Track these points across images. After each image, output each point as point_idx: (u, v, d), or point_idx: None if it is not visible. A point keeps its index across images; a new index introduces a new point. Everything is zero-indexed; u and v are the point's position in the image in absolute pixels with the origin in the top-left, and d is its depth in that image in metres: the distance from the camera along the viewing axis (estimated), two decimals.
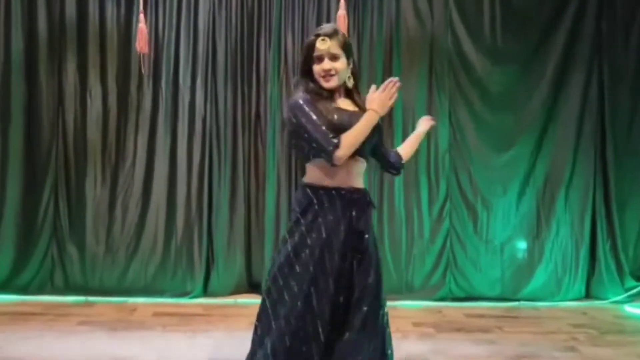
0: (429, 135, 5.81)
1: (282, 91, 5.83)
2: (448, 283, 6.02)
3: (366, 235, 2.73)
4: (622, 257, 6.12)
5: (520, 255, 6.06)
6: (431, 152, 6.03)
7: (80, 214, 5.83)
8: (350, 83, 2.84)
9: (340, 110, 2.76)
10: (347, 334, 2.65)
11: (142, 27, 4.90)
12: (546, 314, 5.70)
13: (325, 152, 2.62)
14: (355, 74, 2.88)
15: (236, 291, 5.84)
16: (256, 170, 5.96)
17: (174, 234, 5.85)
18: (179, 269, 5.84)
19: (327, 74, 2.78)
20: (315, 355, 2.60)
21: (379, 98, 2.66)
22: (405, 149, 3.11)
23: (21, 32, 5.72)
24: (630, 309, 5.83)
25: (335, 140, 2.64)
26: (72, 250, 5.82)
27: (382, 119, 2.74)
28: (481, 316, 5.54)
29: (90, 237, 5.83)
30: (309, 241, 2.66)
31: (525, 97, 6.06)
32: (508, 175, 6.06)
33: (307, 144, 2.68)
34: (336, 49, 2.78)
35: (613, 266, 6.11)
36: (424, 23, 6.02)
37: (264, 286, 2.91)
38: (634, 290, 6.04)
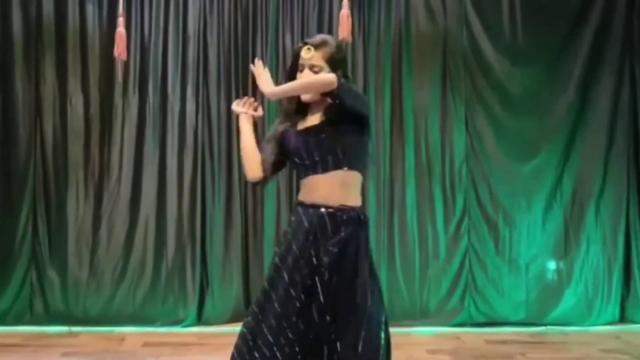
0: (444, 143, 6.01)
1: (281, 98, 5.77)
2: (467, 307, 6.00)
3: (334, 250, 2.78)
4: None
5: (547, 275, 6.06)
6: (446, 163, 6.03)
7: (62, 235, 5.84)
8: (330, 98, 2.78)
9: (300, 133, 2.88)
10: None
11: (121, 31, 4.90)
12: (575, 339, 5.68)
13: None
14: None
15: (233, 318, 5.78)
16: (254, 186, 5.64)
17: (165, 256, 5.86)
18: (171, 294, 5.84)
19: None
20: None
21: None
22: None
23: None
24: None
25: (255, 175, 3.02)
26: (52, 275, 5.82)
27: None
28: (504, 342, 5.54)
29: (72, 261, 5.82)
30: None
31: (550, 101, 6.05)
32: (532, 187, 6.05)
33: None
34: (319, 61, 2.84)
35: None
36: (436, 20, 6.04)
37: None
38: None
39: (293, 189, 5.82)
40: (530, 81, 6.03)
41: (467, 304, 6.00)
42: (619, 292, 6.06)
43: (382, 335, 2.83)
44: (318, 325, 2.72)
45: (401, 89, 6.02)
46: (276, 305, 2.73)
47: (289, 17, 5.89)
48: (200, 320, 5.81)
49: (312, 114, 2.92)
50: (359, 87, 5.89)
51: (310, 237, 2.78)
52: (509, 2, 6.05)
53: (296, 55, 2.91)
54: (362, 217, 2.83)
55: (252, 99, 3.16)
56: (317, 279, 2.74)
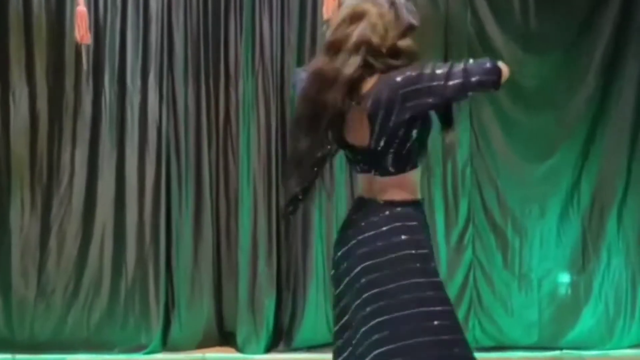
0: (444, 143, 5.76)
1: (257, 89, 5.80)
2: (472, 329, 5.91)
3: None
4: None
5: (562, 292, 5.99)
6: (448, 163, 5.95)
7: (4, 248, 5.75)
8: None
9: None
10: None
11: (81, 10, 4.81)
12: None
13: None
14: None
15: (204, 344, 5.78)
16: (226, 189, 5.90)
17: (124, 273, 5.74)
18: (131, 316, 5.73)
19: None
20: None
21: None
22: None
23: None
24: None
25: None
26: None
27: None
28: None
29: (17, 278, 5.74)
30: None
31: (566, 93, 5.96)
32: (546, 191, 5.96)
33: None
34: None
35: None
36: (436, 1, 5.94)
37: None
38: None
39: (272, 189, 5.83)
40: (545, 70, 5.94)
41: (471, 325, 5.92)
42: None
43: None
44: None
45: None
46: None
47: None
48: (165, 345, 5.74)
49: None
50: None
51: None
52: None
53: None
54: None
55: None
56: None
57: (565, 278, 5.98)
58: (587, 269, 5.94)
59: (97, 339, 5.63)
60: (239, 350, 5.66)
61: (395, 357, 2.65)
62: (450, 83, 2.60)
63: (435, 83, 2.60)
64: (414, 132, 2.71)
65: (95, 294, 5.68)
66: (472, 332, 5.86)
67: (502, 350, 5.87)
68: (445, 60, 5.72)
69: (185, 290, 5.73)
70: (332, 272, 2.89)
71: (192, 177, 5.79)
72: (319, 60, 2.76)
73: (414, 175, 2.84)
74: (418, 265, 2.73)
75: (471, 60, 2.69)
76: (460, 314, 5.80)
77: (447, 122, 2.85)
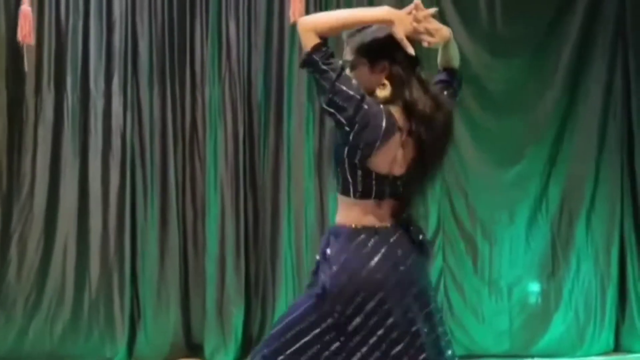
0: None
1: (224, 94, 5.77)
2: None
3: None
4: None
5: (532, 299, 5.97)
6: None
7: None
8: (383, 92, 2.68)
9: None
10: None
11: (25, 9, 4.74)
12: None
13: None
14: (396, 78, 2.70)
15: (171, 355, 5.69)
16: (193, 196, 5.85)
17: (88, 282, 5.66)
18: (95, 327, 5.63)
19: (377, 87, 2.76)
20: None
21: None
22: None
23: None
24: None
25: None
26: None
27: None
28: None
29: None
30: None
31: (534, 97, 5.98)
32: (515, 197, 5.98)
33: None
34: (349, 55, 2.74)
35: None
36: (403, 3, 5.67)
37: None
38: None
39: (239, 196, 5.80)
40: (512, 74, 5.96)
41: None
42: (614, 317, 5.98)
43: None
44: None
45: None
46: None
47: (233, 0, 5.76)
48: (131, 357, 5.66)
49: None
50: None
51: None
52: None
53: None
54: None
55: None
56: None
57: (535, 287, 5.97)
58: (556, 276, 5.95)
59: (60, 352, 5.55)
60: None
61: None
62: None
63: None
64: None
65: (58, 305, 5.59)
66: None
67: (473, 358, 5.82)
68: None
69: (151, 301, 5.65)
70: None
71: (158, 184, 5.72)
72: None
73: None
74: None
75: None
76: None
77: None
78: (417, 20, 2.67)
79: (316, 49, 2.56)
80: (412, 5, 2.66)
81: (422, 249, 2.74)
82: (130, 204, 5.67)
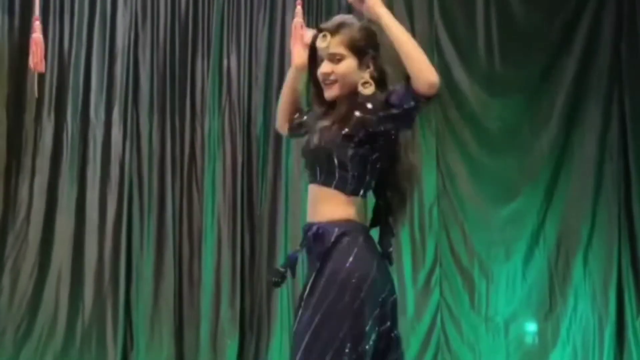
0: None
1: (224, 125, 5.79)
2: None
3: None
4: None
5: (529, 337, 5.88)
6: (415, 204, 5.87)
7: None
8: (367, 89, 2.69)
9: (316, 132, 2.77)
10: None
11: (37, 37, 4.47)
12: None
13: None
14: (379, 73, 2.73)
15: None
16: (190, 227, 5.82)
17: (81, 311, 5.61)
18: (87, 357, 5.55)
19: (325, 81, 2.75)
20: None
21: None
22: None
23: None
24: None
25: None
26: None
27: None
28: None
29: None
30: None
31: (530, 137, 5.97)
32: (511, 234, 5.93)
33: None
34: (338, 48, 2.72)
35: None
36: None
37: None
38: None
39: (237, 228, 5.76)
40: (509, 114, 5.97)
41: None
42: (612, 355, 5.84)
43: None
44: None
45: None
46: None
47: (234, 30, 5.84)
48: None
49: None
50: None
51: None
52: (484, 26, 5.97)
53: (312, 48, 2.82)
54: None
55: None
56: None
57: (532, 324, 5.87)
58: (554, 313, 5.84)
59: None
60: None
61: None
62: None
63: None
64: None
65: (50, 335, 5.54)
66: None
67: None
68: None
69: (145, 332, 5.59)
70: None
71: (155, 214, 5.72)
72: None
73: None
74: None
75: None
76: (428, 356, 5.79)
77: None
78: None
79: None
80: None
81: None
82: (127, 234, 5.65)
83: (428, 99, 2.53)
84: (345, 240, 2.63)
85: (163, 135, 5.74)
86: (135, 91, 5.70)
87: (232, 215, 5.73)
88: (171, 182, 5.72)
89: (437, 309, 5.84)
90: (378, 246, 2.73)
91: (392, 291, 2.70)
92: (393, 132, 2.65)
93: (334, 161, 2.67)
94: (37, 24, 4.53)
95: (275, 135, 5.79)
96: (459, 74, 5.94)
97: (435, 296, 5.84)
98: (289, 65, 5.50)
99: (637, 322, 5.85)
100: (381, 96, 2.66)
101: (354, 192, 2.69)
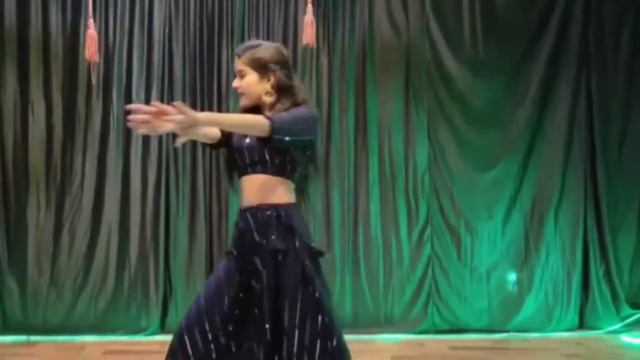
0: (407, 154, 5.99)
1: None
2: (431, 315, 5.99)
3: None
4: (617, 283, 6.10)
5: (508, 283, 6.06)
6: (409, 172, 6.03)
7: (21, 243, 5.73)
8: (268, 98, 2.89)
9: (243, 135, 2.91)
10: None
11: (91, 32, 4.80)
12: (538, 345, 5.70)
13: None
14: (281, 88, 2.89)
15: None
16: (218, 193, 5.86)
17: (127, 264, 5.74)
18: (133, 303, 5.72)
19: (237, 92, 2.95)
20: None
21: None
22: None
23: None
24: (627, 338, 5.83)
25: None
26: (11, 284, 5.70)
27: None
28: (467, 349, 5.56)
29: (32, 269, 5.71)
30: None
31: (509, 113, 6.08)
32: (493, 197, 6.05)
33: None
34: (242, 66, 2.91)
35: (607, 293, 6.08)
36: (399, 32, 6.04)
37: None
38: (631, 319, 6.00)
39: None
40: (491, 94, 6.03)
41: (430, 312, 5.98)
42: (578, 300, 6.08)
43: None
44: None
45: (365, 100, 5.99)
46: None
47: (254, 24, 5.86)
48: (163, 329, 5.69)
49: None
50: (322, 99, 5.93)
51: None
52: (469, 15, 6.04)
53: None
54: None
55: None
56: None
57: (510, 271, 6.02)
58: (529, 264, 6.03)
59: (103, 323, 5.63)
60: None
61: None
62: None
63: None
64: None
65: (102, 284, 5.66)
66: (432, 317, 5.95)
67: (457, 332, 5.92)
68: (407, 85, 5.96)
69: (181, 282, 5.70)
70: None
71: (188, 183, 5.77)
72: None
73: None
74: None
75: None
76: (421, 301, 5.95)
77: None
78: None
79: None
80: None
81: None
82: (165, 199, 5.72)
83: (272, 135, 2.62)
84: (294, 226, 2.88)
85: None
86: (170, 76, 5.72)
87: None
88: (202, 154, 5.74)
89: (428, 261, 5.96)
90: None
91: None
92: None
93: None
94: (90, 22, 4.87)
95: None
96: (448, 59, 6.02)
97: (427, 250, 5.97)
98: (300, 51, 5.67)
99: (600, 270, 6.08)
100: (286, 104, 2.83)
101: (289, 176, 2.89)
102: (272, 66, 2.87)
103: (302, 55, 5.79)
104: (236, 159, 2.91)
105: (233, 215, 5.71)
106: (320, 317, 2.72)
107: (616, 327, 5.97)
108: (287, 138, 2.68)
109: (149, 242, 5.71)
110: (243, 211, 2.86)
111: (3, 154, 5.66)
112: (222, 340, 2.77)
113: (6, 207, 5.68)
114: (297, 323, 2.69)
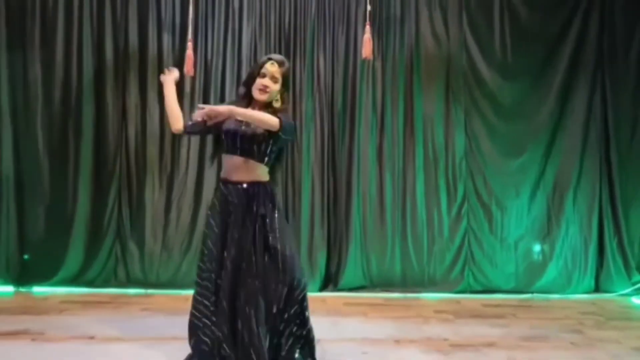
0: (447, 144, 5.94)
1: (315, 106, 5.97)
2: (466, 277, 6.03)
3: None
4: (629, 253, 6.10)
5: (532, 252, 6.07)
6: (449, 159, 6.11)
7: (140, 216, 5.90)
8: (277, 103, 3.39)
9: (235, 120, 3.34)
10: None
11: (189, 53, 5.04)
12: (557, 304, 5.72)
13: None
14: (284, 100, 3.43)
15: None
16: (293, 176, 5.98)
17: None
18: None
19: (264, 89, 3.34)
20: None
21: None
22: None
23: (91, 58, 5.86)
24: (637, 300, 5.86)
25: (178, 127, 3.56)
26: (133, 248, 5.90)
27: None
28: (497, 305, 5.58)
29: (148, 237, 5.90)
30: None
31: (534, 108, 6.07)
32: (520, 179, 6.07)
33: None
34: (278, 74, 3.36)
35: (620, 262, 6.08)
36: (441, 44, 6.10)
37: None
38: None
39: (325, 176, 5.91)
40: (518, 92, 6.05)
41: (466, 275, 6.03)
42: (594, 267, 6.07)
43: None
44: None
45: (412, 100, 6.06)
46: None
47: (322, 41, 5.95)
48: None
49: (255, 108, 3.43)
50: (377, 99, 6.00)
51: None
52: (500, 29, 6.09)
53: (260, 66, 3.40)
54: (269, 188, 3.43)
55: (174, 69, 3.66)
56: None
57: (534, 242, 6.06)
58: (551, 236, 6.06)
59: None
60: None
61: None
62: None
63: None
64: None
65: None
66: (467, 280, 6.00)
67: (488, 293, 5.98)
68: (447, 87, 5.97)
69: None
70: None
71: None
72: None
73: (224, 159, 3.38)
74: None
75: None
76: (458, 267, 6.01)
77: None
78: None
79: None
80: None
81: None
82: None
83: (279, 131, 3.19)
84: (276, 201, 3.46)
85: None
86: None
87: (321, 167, 5.88)
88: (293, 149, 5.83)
89: (465, 233, 6.03)
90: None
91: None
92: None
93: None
94: (189, 44, 5.10)
95: (350, 113, 5.94)
96: (481, 64, 6.06)
97: (464, 224, 6.03)
98: (360, 63, 5.79)
99: (614, 241, 6.10)
100: (280, 109, 3.37)
101: (267, 163, 3.41)
102: (287, 84, 3.43)
103: (361, 65, 5.91)
104: (227, 142, 3.35)
105: (305, 196, 5.93)
106: (289, 231, 3.45)
107: (627, 290, 5.98)
108: (284, 136, 3.27)
109: None
110: (234, 183, 3.35)
111: (127, 148, 5.85)
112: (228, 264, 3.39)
113: (129, 188, 5.87)
114: (277, 235, 3.31)
